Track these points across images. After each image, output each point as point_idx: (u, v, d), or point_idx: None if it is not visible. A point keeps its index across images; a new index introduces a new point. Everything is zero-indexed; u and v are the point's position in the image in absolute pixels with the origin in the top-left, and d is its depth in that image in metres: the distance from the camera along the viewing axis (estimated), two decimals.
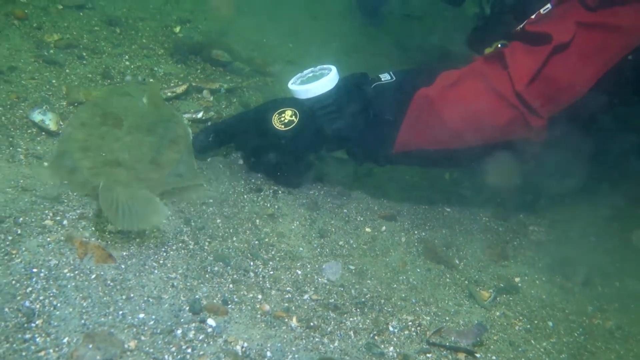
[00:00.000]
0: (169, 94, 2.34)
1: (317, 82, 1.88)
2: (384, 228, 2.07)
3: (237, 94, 2.56)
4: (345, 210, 2.10)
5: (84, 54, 2.41)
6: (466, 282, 1.93)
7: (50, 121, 1.88)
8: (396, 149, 1.89)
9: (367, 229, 2.04)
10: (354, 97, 1.88)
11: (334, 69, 1.92)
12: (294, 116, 1.89)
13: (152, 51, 2.64)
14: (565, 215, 2.33)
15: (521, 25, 1.79)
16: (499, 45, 1.92)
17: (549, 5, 1.72)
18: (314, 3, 3.76)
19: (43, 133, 1.87)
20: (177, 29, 2.89)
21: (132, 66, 2.46)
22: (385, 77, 1.93)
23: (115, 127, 1.69)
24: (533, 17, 1.76)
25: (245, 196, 1.98)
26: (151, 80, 2.38)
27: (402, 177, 2.39)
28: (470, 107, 1.78)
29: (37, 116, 1.87)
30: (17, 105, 1.92)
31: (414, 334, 1.65)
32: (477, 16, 2.12)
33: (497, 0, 2.01)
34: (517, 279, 2.00)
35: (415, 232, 2.10)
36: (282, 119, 1.90)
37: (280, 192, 2.06)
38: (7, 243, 1.45)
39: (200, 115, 2.26)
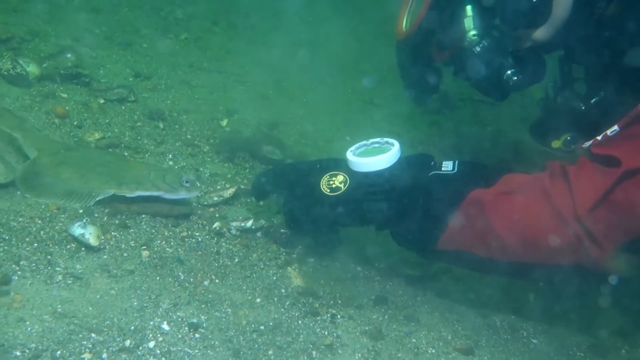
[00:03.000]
0: (216, 198, 2.46)
1: (374, 158, 2.01)
2: None
3: None
4: (414, 340, 2.11)
5: (126, 153, 2.59)
6: None
7: (90, 235, 2.00)
8: (439, 246, 1.98)
9: None
10: (407, 183, 2.00)
11: (396, 145, 2.05)
12: (342, 184, 2.05)
13: (197, 148, 2.80)
14: None
15: (587, 145, 1.81)
16: (568, 138, 1.98)
17: (616, 127, 1.73)
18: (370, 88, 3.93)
19: (83, 249, 1.99)
20: (224, 122, 3.06)
21: (175, 167, 2.61)
22: (447, 166, 2.05)
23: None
24: (599, 138, 1.78)
25: (300, 322, 2.03)
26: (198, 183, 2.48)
27: (478, 297, 2.39)
28: (522, 220, 1.84)
29: (76, 230, 2.00)
30: (56, 218, 2.06)
31: None
32: (542, 102, 2.17)
33: (566, 85, 2.06)
34: None
35: None
36: (331, 183, 2.07)
37: (339, 316, 2.10)
38: None
39: (250, 224, 2.37)
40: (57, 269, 1.88)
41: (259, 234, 2.38)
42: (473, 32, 1.88)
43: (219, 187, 2.57)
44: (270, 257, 2.29)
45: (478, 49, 1.89)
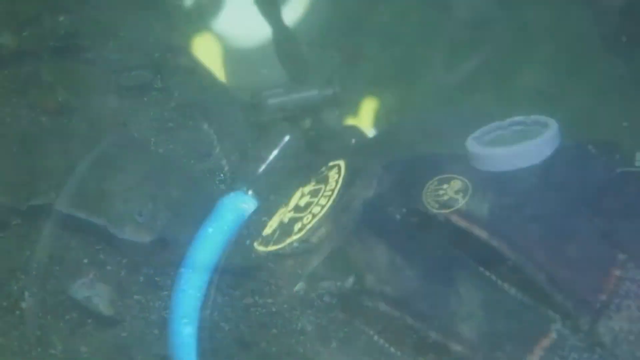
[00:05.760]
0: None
1: (516, 148, 1.98)
2: None
3: None
4: None
5: None
6: None
7: None
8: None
9: None
10: (577, 187, 1.99)
11: (553, 126, 2.02)
12: (461, 194, 1.99)
13: None
14: None
15: None
16: None
17: None
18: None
19: None
20: None
21: None
22: None
23: None
24: None
25: None
26: None
27: None
28: None
29: None
30: None
31: None
32: None
33: None
34: None
35: None
36: (441, 192, 1.99)
37: None
38: None
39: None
40: None
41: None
42: None
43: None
44: None
45: None
